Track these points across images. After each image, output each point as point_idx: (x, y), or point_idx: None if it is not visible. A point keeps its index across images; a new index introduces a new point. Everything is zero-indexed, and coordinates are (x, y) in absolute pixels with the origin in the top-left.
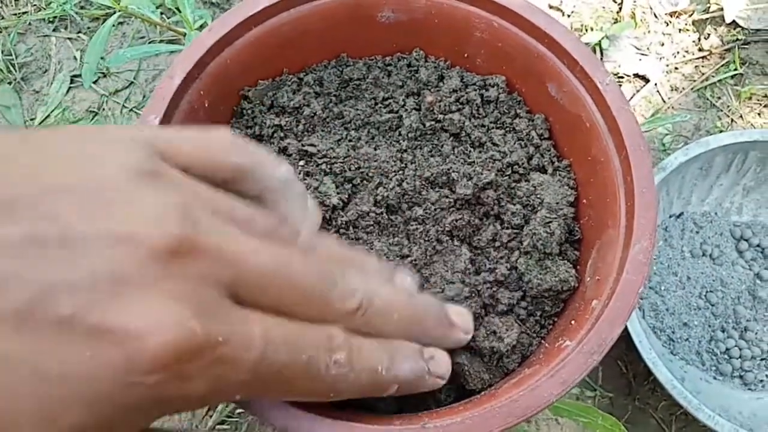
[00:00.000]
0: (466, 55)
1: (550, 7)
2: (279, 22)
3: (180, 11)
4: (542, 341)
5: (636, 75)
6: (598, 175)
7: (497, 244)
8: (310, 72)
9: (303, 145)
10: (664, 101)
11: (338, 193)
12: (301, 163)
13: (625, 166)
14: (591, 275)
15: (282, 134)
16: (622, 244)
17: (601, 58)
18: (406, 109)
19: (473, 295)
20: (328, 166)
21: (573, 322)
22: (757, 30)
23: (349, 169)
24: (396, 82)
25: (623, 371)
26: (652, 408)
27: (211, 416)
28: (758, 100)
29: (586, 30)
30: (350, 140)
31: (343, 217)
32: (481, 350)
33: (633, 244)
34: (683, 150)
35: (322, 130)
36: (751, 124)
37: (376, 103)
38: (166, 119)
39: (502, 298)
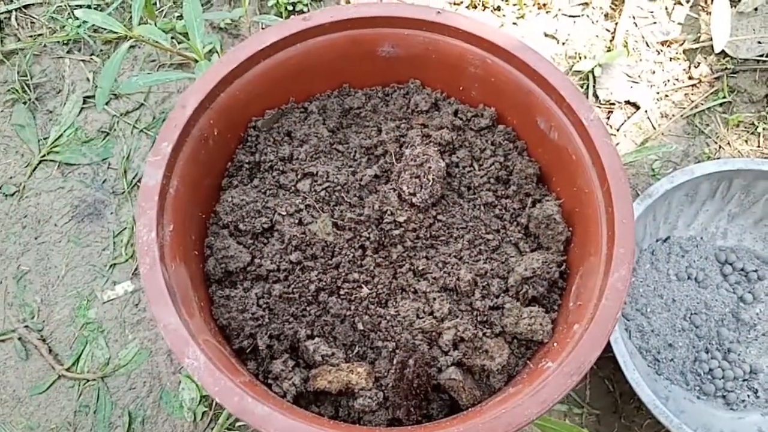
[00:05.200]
0: (461, 87)
1: (545, 35)
2: (285, 56)
3: (189, 39)
4: (527, 362)
5: (627, 102)
6: (583, 205)
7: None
8: (314, 101)
9: (305, 170)
10: (655, 128)
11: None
12: (302, 185)
13: (607, 198)
14: (574, 301)
15: (285, 161)
16: (602, 272)
17: (594, 86)
18: (407, 139)
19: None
20: (328, 194)
21: (555, 344)
22: (745, 59)
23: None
24: (393, 111)
25: (610, 390)
26: (638, 426)
27: (212, 428)
28: (745, 128)
29: (580, 58)
30: (350, 167)
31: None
32: (472, 367)
33: (612, 272)
34: (669, 178)
35: (325, 157)
36: (738, 151)
37: (374, 131)
38: (178, 146)
39: (496, 321)
